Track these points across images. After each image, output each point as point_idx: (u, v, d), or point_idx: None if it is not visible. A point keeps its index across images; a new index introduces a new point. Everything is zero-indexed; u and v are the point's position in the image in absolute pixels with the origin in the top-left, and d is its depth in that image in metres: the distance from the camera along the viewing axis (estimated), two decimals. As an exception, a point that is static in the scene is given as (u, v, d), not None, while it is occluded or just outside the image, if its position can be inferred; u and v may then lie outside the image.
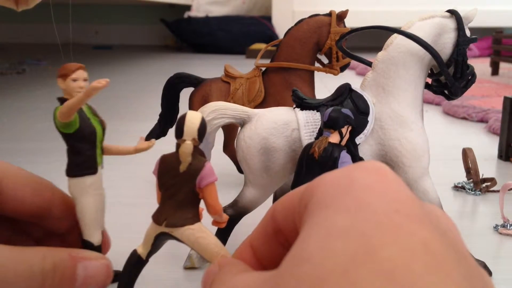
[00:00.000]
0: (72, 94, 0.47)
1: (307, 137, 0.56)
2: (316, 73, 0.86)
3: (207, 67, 2.77)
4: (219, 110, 0.58)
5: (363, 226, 0.21)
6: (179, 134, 0.40)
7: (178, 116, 0.51)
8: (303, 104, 0.58)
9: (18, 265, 0.44)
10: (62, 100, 0.48)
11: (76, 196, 0.49)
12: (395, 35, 0.59)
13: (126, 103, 1.76)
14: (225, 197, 0.61)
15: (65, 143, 0.49)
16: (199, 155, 0.40)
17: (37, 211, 0.50)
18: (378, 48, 0.61)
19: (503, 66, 2.51)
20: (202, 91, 0.86)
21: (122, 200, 0.83)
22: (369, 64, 0.61)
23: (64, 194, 0.53)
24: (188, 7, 3.84)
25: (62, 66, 0.48)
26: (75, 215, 0.53)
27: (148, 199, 0.83)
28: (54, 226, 0.52)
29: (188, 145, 0.39)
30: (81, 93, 0.46)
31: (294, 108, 0.59)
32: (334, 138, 0.52)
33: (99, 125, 0.50)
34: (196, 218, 0.41)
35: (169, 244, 0.49)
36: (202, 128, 0.40)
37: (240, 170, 0.91)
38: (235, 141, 0.59)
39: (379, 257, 0.20)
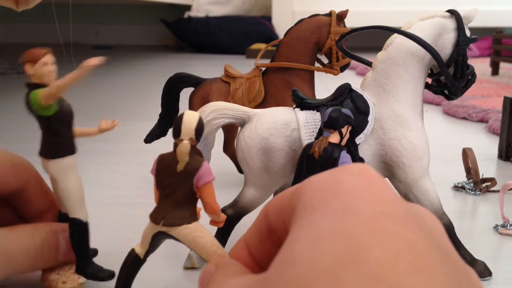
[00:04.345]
0: (43, 79, 0.48)
1: (307, 137, 0.56)
2: (316, 73, 0.86)
3: (207, 67, 2.77)
4: (219, 110, 0.58)
5: (349, 228, 0.22)
6: (177, 134, 0.40)
7: (177, 116, 0.51)
8: (303, 104, 0.58)
9: (16, 244, 0.50)
10: (32, 85, 0.49)
11: (58, 176, 0.51)
12: (395, 35, 0.59)
13: (126, 103, 1.76)
14: (225, 197, 0.61)
15: (40, 127, 0.50)
16: (197, 155, 0.40)
17: (13, 190, 0.53)
18: (378, 48, 0.61)
19: (503, 66, 2.51)
20: (202, 91, 0.86)
21: (121, 200, 0.83)
22: (369, 64, 0.61)
23: (42, 180, 0.56)
24: (188, 7, 3.84)
25: (27, 52, 0.48)
26: (49, 203, 0.55)
27: (147, 199, 0.83)
28: (22, 207, 0.55)
29: (185, 145, 0.39)
30: (73, 72, 0.46)
31: (294, 108, 0.59)
32: (334, 138, 0.52)
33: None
34: (194, 217, 0.41)
35: (169, 244, 0.49)
36: (200, 128, 0.40)
37: (240, 170, 0.91)
38: (235, 141, 0.59)
39: (365, 258, 0.20)
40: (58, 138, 0.50)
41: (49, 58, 0.48)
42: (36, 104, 0.48)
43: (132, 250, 0.44)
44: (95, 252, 0.59)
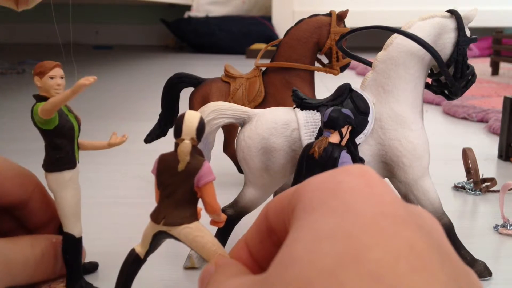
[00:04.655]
0: (50, 92, 0.49)
1: (307, 137, 0.56)
2: (316, 73, 0.86)
3: (207, 67, 2.77)
4: (219, 110, 0.58)
5: (349, 228, 0.22)
6: (178, 134, 0.40)
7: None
8: (303, 104, 0.58)
9: (16, 254, 0.50)
10: (38, 98, 0.49)
11: (56, 190, 0.51)
12: (395, 35, 0.59)
13: (126, 103, 1.76)
14: (225, 197, 0.61)
15: (43, 139, 0.50)
16: (198, 155, 0.40)
17: (17, 201, 0.53)
18: (378, 48, 0.61)
19: (503, 66, 2.51)
20: (202, 91, 0.86)
21: (121, 200, 0.83)
22: (369, 64, 0.61)
23: (45, 191, 0.56)
24: (188, 7, 3.84)
25: (38, 64, 0.49)
26: (51, 214, 0.56)
27: (147, 199, 0.83)
28: (25, 219, 0.55)
29: (186, 145, 0.39)
30: (68, 90, 0.47)
31: (294, 108, 0.59)
32: (334, 138, 0.52)
33: (75, 121, 0.51)
34: (194, 217, 0.41)
35: (169, 244, 0.49)
36: (201, 128, 0.40)
37: (240, 170, 0.91)
38: (235, 141, 0.59)
39: (365, 258, 0.20)
40: (58, 151, 0.50)
41: (57, 72, 0.49)
42: (36, 117, 0.48)
43: (133, 250, 0.44)
44: (95, 266, 0.59)
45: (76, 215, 0.52)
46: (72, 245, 0.52)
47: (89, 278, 0.56)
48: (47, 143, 0.50)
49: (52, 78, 0.48)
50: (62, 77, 0.49)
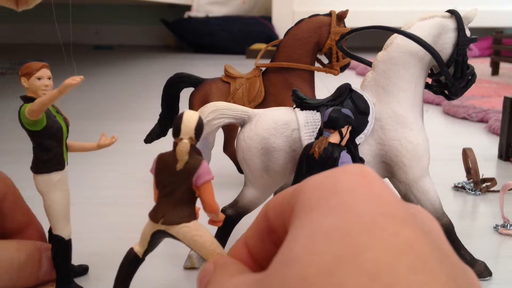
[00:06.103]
0: (37, 93, 0.48)
1: (307, 137, 0.56)
2: (316, 73, 0.86)
3: (207, 67, 2.77)
4: (219, 110, 0.58)
5: (348, 228, 0.22)
6: (176, 133, 0.40)
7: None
8: (303, 104, 0.58)
9: (0, 256, 0.49)
10: (25, 99, 0.49)
11: (44, 192, 0.50)
12: (395, 35, 0.59)
13: (126, 103, 1.76)
14: (224, 197, 0.61)
15: (31, 141, 0.50)
16: (196, 154, 0.40)
17: None
18: (378, 48, 0.61)
19: (503, 66, 2.51)
20: (202, 91, 0.86)
21: (120, 200, 0.83)
22: (369, 64, 0.61)
23: (19, 195, 0.55)
24: (188, 7, 3.84)
25: (24, 65, 0.49)
26: (26, 219, 0.55)
27: (146, 199, 0.83)
28: None
29: (185, 144, 0.39)
30: (55, 90, 0.47)
31: (294, 108, 0.59)
32: (334, 138, 0.52)
33: (63, 122, 0.51)
34: (193, 216, 0.41)
35: (169, 244, 0.49)
36: (199, 127, 0.40)
37: (240, 170, 0.91)
38: (235, 141, 0.59)
39: (363, 257, 0.20)
40: (46, 153, 0.49)
41: (44, 72, 0.48)
42: (24, 118, 0.47)
43: (131, 249, 0.44)
44: (85, 269, 0.58)
45: (65, 217, 0.51)
46: (62, 248, 0.51)
47: (86, 279, 0.56)
48: (35, 144, 0.50)
49: (39, 79, 0.48)
50: (49, 78, 0.49)
